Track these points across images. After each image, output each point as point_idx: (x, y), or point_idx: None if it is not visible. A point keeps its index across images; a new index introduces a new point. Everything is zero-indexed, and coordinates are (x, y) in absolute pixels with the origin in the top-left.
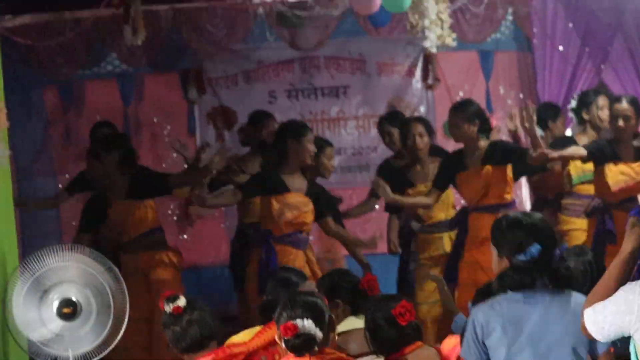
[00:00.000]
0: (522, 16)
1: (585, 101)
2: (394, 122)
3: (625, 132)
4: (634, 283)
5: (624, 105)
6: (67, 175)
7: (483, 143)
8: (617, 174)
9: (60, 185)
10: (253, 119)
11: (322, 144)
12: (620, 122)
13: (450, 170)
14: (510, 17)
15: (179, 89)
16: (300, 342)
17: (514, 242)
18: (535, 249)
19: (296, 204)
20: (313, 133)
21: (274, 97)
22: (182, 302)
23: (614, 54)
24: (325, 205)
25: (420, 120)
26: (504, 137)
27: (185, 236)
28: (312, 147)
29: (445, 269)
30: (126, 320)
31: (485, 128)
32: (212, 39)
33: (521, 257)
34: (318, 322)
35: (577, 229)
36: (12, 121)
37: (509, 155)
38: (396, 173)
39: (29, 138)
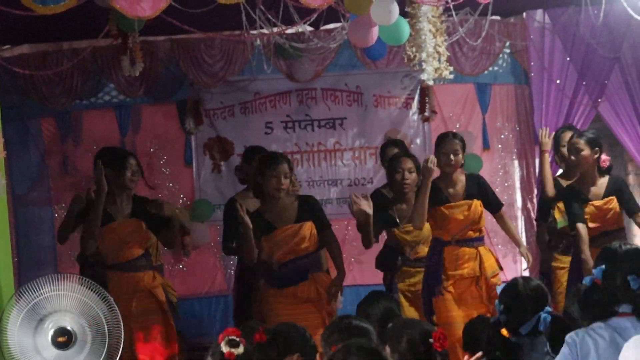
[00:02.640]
0: (519, 49)
1: (554, 141)
2: (395, 148)
3: (579, 167)
4: None
5: (575, 139)
6: (63, 205)
7: (462, 176)
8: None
9: (56, 215)
10: (246, 156)
11: (272, 161)
12: (573, 157)
13: (429, 202)
14: (507, 50)
15: (176, 119)
16: None
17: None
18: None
19: (284, 239)
20: (283, 164)
21: (270, 128)
22: (240, 350)
23: (611, 87)
24: (324, 218)
25: (411, 156)
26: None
27: (181, 266)
28: (274, 182)
29: (423, 304)
30: (121, 349)
31: (474, 167)
32: (210, 70)
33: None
34: None
35: (563, 267)
36: (10, 150)
37: (485, 191)
38: (385, 206)
39: (26, 167)
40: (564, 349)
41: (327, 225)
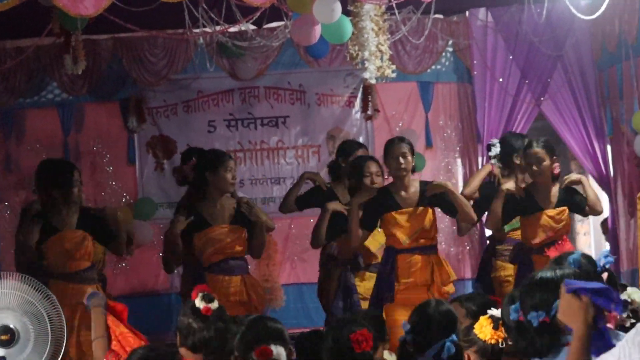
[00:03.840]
0: (462, 48)
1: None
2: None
3: (541, 177)
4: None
5: (536, 148)
6: (6, 203)
7: (416, 182)
8: (536, 228)
9: None
10: (186, 157)
11: (223, 157)
12: (535, 167)
13: (380, 209)
14: (450, 49)
15: (119, 118)
16: None
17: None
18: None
19: (218, 236)
20: (231, 160)
21: (213, 126)
22: (215, 305)
23: (554, 85)
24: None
25: (375, 159)
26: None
27: (124, 264)
28: (229, 176)
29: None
30: (64, 347)
31: (417, 166)
32: (153, 69)
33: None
34: (287, 353)
35: (510, 274)
36: None
37: (442, 198)
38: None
39: None
40: None
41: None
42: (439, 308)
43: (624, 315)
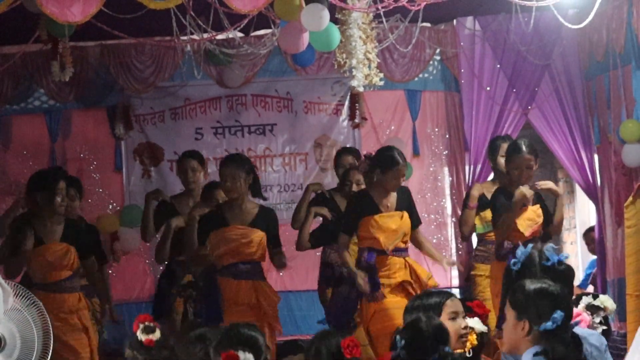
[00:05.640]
0: (450, 56)
1: (491, 148)
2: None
3: (525, 182)
4: None
5: (528, 155)
6: None
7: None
8: (525, 220)
9: None
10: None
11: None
12: (524, 172)
13: (360, 212)
14: (437, 57)
15: (106, 125)
16: None
17: (541, 309)
18: (559, 315)
19: (232, 236)
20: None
21: (200, 134)
22: (156, 336)
23: (541, 94)
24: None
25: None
26: None
27: (110, 271)
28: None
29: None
30: (50, 353)
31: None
32: (140, 76)
33: (547, 325)
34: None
35: (482, 274)
36: None
37: (413, 205)
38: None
39: None
40: None
41: (279, 245)
42: (431, 323)
43: (596, 320)
